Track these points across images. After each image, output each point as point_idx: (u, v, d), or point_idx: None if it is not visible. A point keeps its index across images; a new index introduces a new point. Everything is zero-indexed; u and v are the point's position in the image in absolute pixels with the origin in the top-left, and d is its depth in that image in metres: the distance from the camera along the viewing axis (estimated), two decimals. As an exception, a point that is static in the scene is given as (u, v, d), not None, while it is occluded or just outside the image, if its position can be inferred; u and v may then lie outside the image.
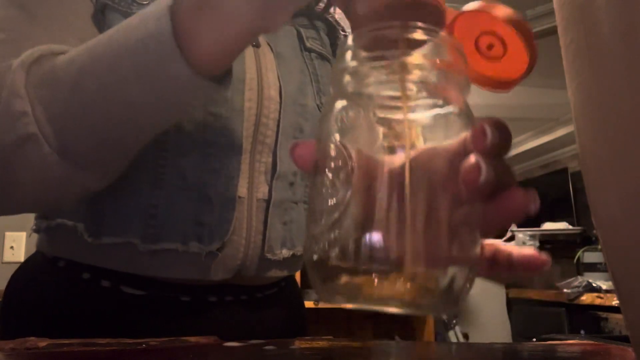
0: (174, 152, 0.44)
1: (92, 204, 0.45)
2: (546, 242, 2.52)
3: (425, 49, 0.23)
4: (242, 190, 0.46)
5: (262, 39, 0.50)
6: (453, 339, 2.39)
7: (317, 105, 0.53)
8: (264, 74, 0.48)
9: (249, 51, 0.48)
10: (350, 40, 0.24)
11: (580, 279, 2.16)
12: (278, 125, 0.49)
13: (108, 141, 0.36)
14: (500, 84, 0.28)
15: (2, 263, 1.85)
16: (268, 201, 0.48)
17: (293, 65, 0.52)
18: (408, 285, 0.22)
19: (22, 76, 0.34)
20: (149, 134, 0.37)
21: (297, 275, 2.30)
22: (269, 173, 0.48)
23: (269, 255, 0.48)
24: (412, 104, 0.24)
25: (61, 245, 0.46)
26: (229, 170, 0.46)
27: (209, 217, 0.45)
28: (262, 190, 0.48)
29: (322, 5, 0.57)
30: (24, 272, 0.50)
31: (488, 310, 2.66)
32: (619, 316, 1.86)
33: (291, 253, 0.51)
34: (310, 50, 0.55)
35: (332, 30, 0.59)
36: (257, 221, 0.47)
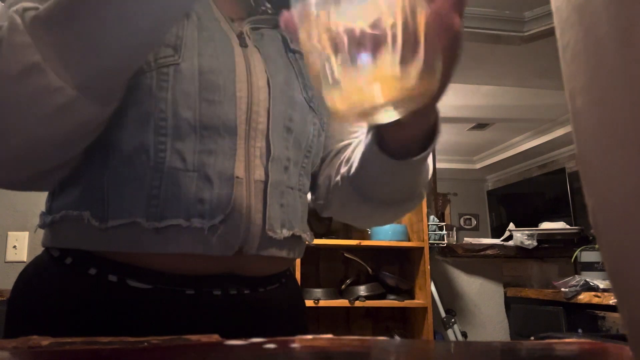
0: (172, 137, 0.47)
1: (96, 192, 0.47)
2: (544, 241, 2.53)
3: None
4: (240, 171, 0.50)
5: (249, 42, 0.55)
6: (452, 338, 2.39)
7: (305, 98, 0.58)
8: (252, 68, 0.53)
9: (238, 50, 0.53)
10: None
11: (577, 278, 2.16)
12: (269, 113, 0.53)
13: (106, 58, 0.38)
14: None
15: (5, 262, 1.85)
16: (265, 183, 0.52)
17: (279, 62, 0.57)
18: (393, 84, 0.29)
19: (17, 18, 0.37)
20: (140, 47, 0.40)
21: (298, 276, 2.31)
22: (264, 157, 0.52)
23: (270, 234, 0.51)
24: None
25: (67, 235, 0.48)
26: (225, 151, 0.49)
27: (209, 195, 0.48)
28: (259, 173, 0.51)
29: None
30: (31, 271, 0.51)
31: (486, 309, 2.66)
32: (616, 315, 1.87)
33: (290, 233, 0.54)
34: (294, 52, 0.59)
35: None
36: (256, 201, 0.51)
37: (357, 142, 0.59)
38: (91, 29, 0.36)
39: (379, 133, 0.49)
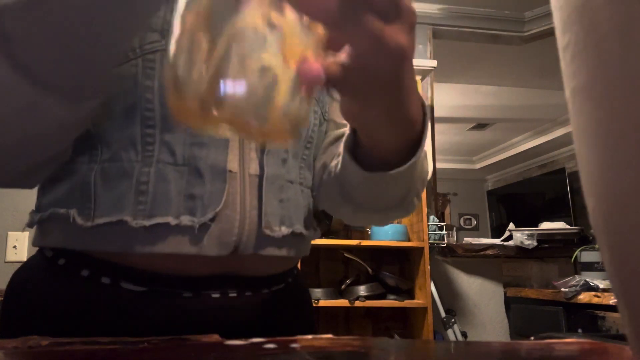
0: (161, 129, 0.45)
1: (84, 189, 0.45)
2: (544, 241, 2.53)
3: None
4: (233, 165, 0.47)
5: None
6: (452, 338, 2.39)
7: None
8: None
9: None
10: None
11: (577, 278, 2.16)
12: None
13: (69, 52, 0.35)
14: None
15: (5, 262, 1.85)
16: (260, 177, 0.48)
17: None
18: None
19: None
20: (108, 46, 0.36)
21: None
22: (259, 150, 0.49)
23: (267, 231, 0.48)
24: None
25: (55, 235, 0.46)
26: (218, 143, 0.46)
27: (200, 190, 0.45)
28: (254, 166, 0.48)
29: None
30: (24, 271, 0.50)
31: (486, 309, 2.66)
32: (616, 315, 1.87)
33: (290, 231, 0.51)
34: None
35: None
36: (251, 196, 0.48)
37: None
38: (54, 15, 0.33)
39: (354, 139, 0.44)
